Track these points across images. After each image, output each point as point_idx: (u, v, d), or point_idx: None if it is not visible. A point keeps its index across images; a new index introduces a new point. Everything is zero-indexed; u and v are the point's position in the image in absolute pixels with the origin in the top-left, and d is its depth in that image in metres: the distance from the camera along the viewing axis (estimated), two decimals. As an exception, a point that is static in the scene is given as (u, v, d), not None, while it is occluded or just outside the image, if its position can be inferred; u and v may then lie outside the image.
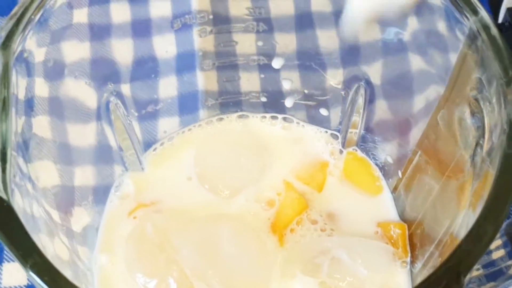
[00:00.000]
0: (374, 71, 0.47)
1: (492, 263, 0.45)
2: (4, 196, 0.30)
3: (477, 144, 0.36)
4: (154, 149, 0.49)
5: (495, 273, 0.44)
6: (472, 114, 0.36)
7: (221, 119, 0.51)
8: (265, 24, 0.48)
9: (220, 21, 0.48)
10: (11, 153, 0.32)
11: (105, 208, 0.46)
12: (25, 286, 0.48)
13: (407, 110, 0.45)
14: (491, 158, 0.33)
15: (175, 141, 0.50)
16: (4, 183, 0.30)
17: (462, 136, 0.37)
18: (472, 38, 0.35)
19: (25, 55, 0.35)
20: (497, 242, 0.45)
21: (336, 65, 0.48)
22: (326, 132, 0.50)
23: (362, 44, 0.47)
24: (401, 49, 0.44)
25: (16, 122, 0.34)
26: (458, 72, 0.38)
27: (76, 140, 0.44)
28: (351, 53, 0.47)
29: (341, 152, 0.49)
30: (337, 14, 0.47)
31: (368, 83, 0.47)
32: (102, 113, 0.45)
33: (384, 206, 0.46)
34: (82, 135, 0.45)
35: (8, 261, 0.49)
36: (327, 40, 0.48)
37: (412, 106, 0.45)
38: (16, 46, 0.34)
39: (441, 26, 0.39)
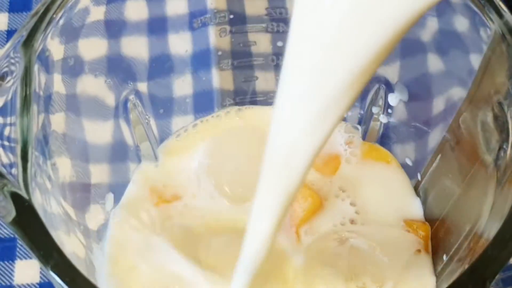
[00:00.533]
0: (393, 73, 0.46)
1: (509, 268, 0.44)
2: (25, 195, 0.30)
3: (500, 148, 0.35)
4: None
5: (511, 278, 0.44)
6: (495, 118, 0.36)
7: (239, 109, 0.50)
8: (285, 25, 0.47)
9: (239, 21, 0.48)
10: (32, 152, 0.32)
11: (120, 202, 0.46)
12: (37, 283, 0.48)
13: (427, 113, 0.45)
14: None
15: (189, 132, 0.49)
16: (25, 182, 0.30)
17: (485, 140, 0.37)
18: (497, 41, 0.35)
19: (47, 53, 0.35)
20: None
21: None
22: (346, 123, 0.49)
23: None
24: (422, 50, 0.44)
25: (37, 119, 0.34)
26: (482, 75, 0.37)
27: (93, 137, 0.44)
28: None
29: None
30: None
31: (388, 84, 0.46)
32: (120, 112, 0.45)
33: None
34: (100, 132, 0.45)
35: (21, 259, 0.49)
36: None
37: (432, 109, 0.45)
38: (38, 44, 0.34)
39: (465, 28, 0.38)
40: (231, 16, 0.47)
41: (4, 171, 0.30)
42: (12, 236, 0.50)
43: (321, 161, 0.46)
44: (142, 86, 0.47)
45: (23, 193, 0.30)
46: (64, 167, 0.40)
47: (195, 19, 0.47)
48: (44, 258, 0.28)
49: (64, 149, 0.40)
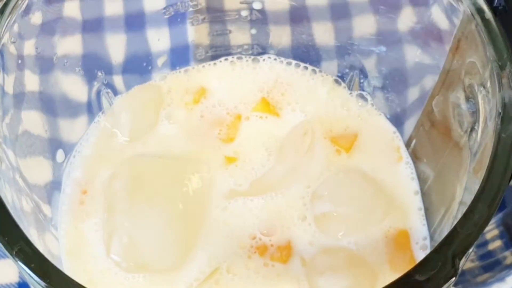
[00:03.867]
0: (368, 60, 0.46)
1: (488, 254, 0.44)
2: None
3: (472, 129, 0.35)
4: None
5: (491, 264, 0.44)
6: (467, 99, 0.36)
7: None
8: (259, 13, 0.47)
9: (214, 10, 0.47)
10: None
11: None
12: (16, 283, 0.48)
13: (402, 99, 0.45)
14: (486, 142, 0.32)
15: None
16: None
17: (457, 122, 0.37)
18: (466, 22, 0.35)
19: (12, 46, 0.34)
20: (494, 232, 0.45)
21: (330, 58, 0.48)
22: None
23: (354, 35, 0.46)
24: (396, 38, 0.44)
25: (2, 116, 0.34)
26: (453, 57, 0.37)
27: (66, 133, 0.43)
28: (343, 45, 0.47)
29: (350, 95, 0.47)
30: (333, 7, 0.47)
31: (362, 71, 0.46)
32: (93, 105, 0.45)
33: None
34: (72, 128, 0.44)
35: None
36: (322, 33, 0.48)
37: (407, 95, 0.45)
38: (2, 32, 0.33)
39: (435, 11, 0.38)
40: (203, 4, 0.47)
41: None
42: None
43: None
44: (116, 78, 0.46)
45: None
46: (36, 163, 0.40)
47: (167, 8, 0.47)
48: (9, 244, 0.28)
49: (35, 145, 0.40)
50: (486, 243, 0.45)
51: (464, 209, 0.30)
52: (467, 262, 0.44)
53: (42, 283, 0.27)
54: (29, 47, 0.37)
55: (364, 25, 0.46)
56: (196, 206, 0.43)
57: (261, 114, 0.46)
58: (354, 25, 0.46)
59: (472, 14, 0.34)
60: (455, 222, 0.29)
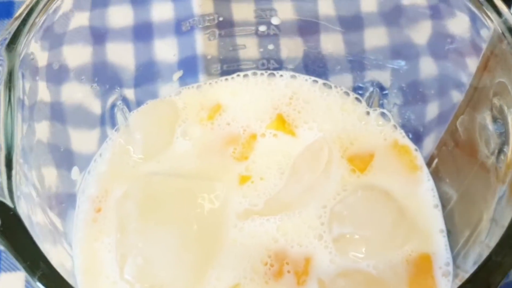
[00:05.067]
0: (387, 76, 0.45)
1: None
2: (10, 204, 0.28)
3: (500, 151, 0.34)
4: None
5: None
6: (494, 119, 0.35)
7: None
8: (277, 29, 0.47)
9: (228, 24, 0.47)
10: (16, 159, 0.30)
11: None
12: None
13: (423, 117, 0.44)
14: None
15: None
16: (10, 191, 0.29)
17: (484, 143, 0.36)
18: (496, 40, 0.34)
19: (31, 57, 0.34)
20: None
21: (349, 74, 0.47)
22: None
23: (368, 48, 0.46)
24: (416, 53, 0.43)
25: (21, 126, 0.33)
26: (480, 76, 0.36)
27: (79, 146, 0.43)
28: (358, 59, 0.46)
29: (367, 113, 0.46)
30: (342, 19, 0.46)
31: (381, 88, 0.46)
32: (107, 118, 0.44)
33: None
34: (86, 140, 0.43)
35: (5, 271, 0.48)
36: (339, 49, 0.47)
37: (428, 113, 0.44)
38: (22, 48, 0.33)
39: (462, 28, 0.38)
40: (220, 19, 0.46)
41: (-14, 179, 0.29)
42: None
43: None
44: (129, 92, 0.45)
45: (7, 201, 0.28)
46: (50, 175, 0.39)
47: (183, 22, 0.46)
48: (31, 269, 0.27)
49: (49, 158, 0.39)
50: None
51: (497, 231, 0.29)
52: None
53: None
54: (47, 61, 0.37)
55: (383, 40, 0.45)
56: (211, 226, 0.42)
57: (275, 132, 0.46)
58: (372, 40, 0.46)
59: (502, 32, 0.33)
60: (483, 244, 0.28)
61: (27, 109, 0.35)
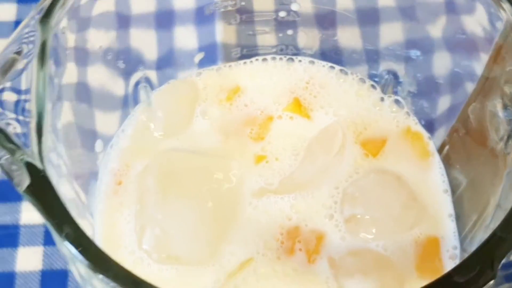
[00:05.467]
0: (402, 65, 0.47)
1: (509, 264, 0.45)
2: (40, 166, 0.30)
3: (509, 137, 0.35)
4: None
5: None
6: (505, 107, 0.36)
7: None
8: (296, 15, 0.48)
9: (248, 10, 0.48)
10: (46, 126, 0.32)
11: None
12: (39, 271, 0.48)
13: (436, 105, 0.45)
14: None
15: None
16: (40, 155, 0.30)
17: (494, 129, 0.37)
18: (508, 30, 0.35)
19: (62, 32, 0.35)
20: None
21: (365, 62, 0.48)
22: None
23: (384, 39, 0.47)
24: (432, 45, 0.44)
25: (50, 99, 0.35)
26: (492, 65, 0.38)
27: (102, 121, 0.44)
28: (374, 48, 0.48)
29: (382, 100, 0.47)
30: (359, 12, 0.47)
31: (396, 76, 0.47)
32: (130, 96, 0.46)
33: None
34: (109, 116, 0.45)
35: (23, 246, 0.49)
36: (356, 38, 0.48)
37: (441, 101, 0.45)
38: (55, 23, 0.34)
39: (474, 18, 0.39)
40: (242, 4, 0.47)
41: (19, 142, 0.30)
42: (15, 223, 0.50)
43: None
44: (152, 72, 0.47)
45: (38, 164, 0.30)
46: (75, 148, 0.41)
47: (206, 6, 0.47)
48: (58, 227, 0.28)
49: (75, 131, 0.41)
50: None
51: (500, 214, 0.30)
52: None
53: (88, 264, 0.28)
54: (75, 38, 0.38)
55: (399, 31, 0.46)
56: (227, 202, 0.43)
57: (292, 114, 0.47)
58: (388, 31, 0.47)
59: (514, 22, 0.34)
60: (489, 229, 0.29)
61: (56, 82, 0.36)
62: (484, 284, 0.27)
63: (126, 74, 0.45)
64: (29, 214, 0.50)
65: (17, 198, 0.50)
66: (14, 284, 0.48)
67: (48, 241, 0.49)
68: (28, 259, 0.49)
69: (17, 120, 0.32)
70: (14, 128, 0.31)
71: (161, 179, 0.43)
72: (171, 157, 0.45)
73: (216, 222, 0.42)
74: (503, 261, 0.29)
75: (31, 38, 0.33)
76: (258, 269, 0.41)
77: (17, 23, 0.58)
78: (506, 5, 0.35)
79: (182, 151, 0.45)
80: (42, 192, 0.29)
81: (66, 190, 0.36)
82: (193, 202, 0.42)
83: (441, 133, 0.45)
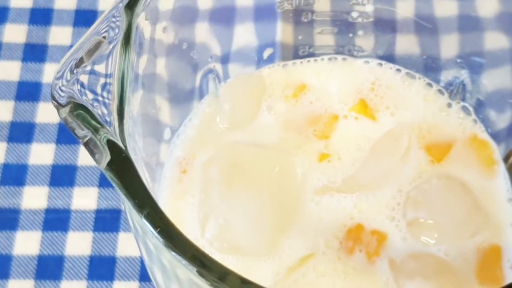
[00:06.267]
0: (472, 73, 0.46)
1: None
2: (122, 146, 0.30)
3: None
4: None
5: None
6: None
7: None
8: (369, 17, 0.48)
9: (320, 8, 0.48)
10: (128, 110, 0.33)
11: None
12: (88, 256, 0.49)
13: (504, 115, 0.45)
14: None
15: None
16: (122, 135, 0.31)
17: None
18: None
19: (147, 18, 0.36)
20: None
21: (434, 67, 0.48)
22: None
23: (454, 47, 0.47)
24: (502, 52, 0.44)
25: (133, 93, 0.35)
26: None
27: (172, 110, 0.45)
28: (444, 55, 0.47)
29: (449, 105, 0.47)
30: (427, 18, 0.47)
31: (465, 83, 0.47)
32: (198, 87, 0.46)
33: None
34: (178, 106, 0.46)
35: (73, 230, 0.50)
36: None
37: (509, 109, 0.45)
38: (140, 9, 0.35)
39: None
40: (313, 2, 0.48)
41: (103, 122, 0.31)
42: (66, 208, 0.51)
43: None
44: (220, 65, 0.48)
45: (119, 143, 0.31)
46: (147, 134, 0.41)
47: (279, 3, 0.48)
48: (139, 206, 0.29)
49: (147, 118, 0.41)
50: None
51: None
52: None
53: (167, 245, 0.28)
54: (150, 31, 0.39)
55: (465, 39, 0.46)
56: (289, 197, 0.44)
57: (357, 115, 0.47)
58: (453, 39, 0.47)
59: None
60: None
61: (135, 70, 0.37)
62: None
63: (196, 66, 0.46)
64: (81, 200, 0.51)
65: (69, 183, 0.51)
66: (62, 267, 0.49)
67: (98, 227, 0.51)
68: (77, 244, 0.50)
69: (101, 102, 0.32)
70: (97, 108, 0.32)
71: (225, 170, 0.43)
72: (237, 149, 0.45)
73: (278, 216, 0.43)
74: None
75: (118, 23, 0.34)
76: (318, 266, 0.41)
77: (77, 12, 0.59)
78: None
79: (247, 144, 0.46)
80: (123, 170, 0.30)
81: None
82: (256, 194, 0.43)
83: (508, 142, 0.44)
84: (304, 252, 0.42)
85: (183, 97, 0.46)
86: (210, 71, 0.47)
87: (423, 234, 0.42)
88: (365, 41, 0.49)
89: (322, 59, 0.50)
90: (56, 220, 0.51)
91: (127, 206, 0.30)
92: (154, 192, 0.41)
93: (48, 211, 0.51)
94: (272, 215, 0.42)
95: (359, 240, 0.42)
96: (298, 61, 0.49)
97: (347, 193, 0.44)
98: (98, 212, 0.51)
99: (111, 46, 0.33)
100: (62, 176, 0.52)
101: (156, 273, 0.35)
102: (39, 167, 0.53)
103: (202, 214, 0.42)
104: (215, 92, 0.47)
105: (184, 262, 0.28)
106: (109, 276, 0.49)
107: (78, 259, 0.49)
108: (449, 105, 0.47)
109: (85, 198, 0.51)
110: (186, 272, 0.29)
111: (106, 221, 0.50)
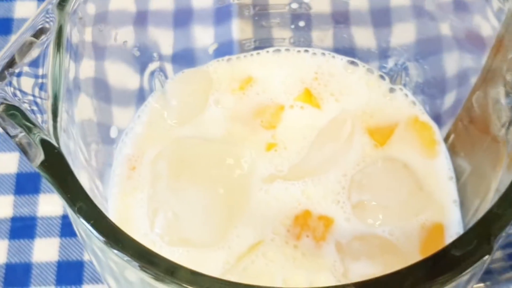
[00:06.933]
0: (411, 57, 0.48)
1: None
2: (55, 144, 0.31)
3: (510, 123, 0.36)
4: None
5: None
6: (507, 94, 0.37)
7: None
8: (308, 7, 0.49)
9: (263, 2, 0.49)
10: (62, 107, 0.33)
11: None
12: (56, 262, 0.50)
13: (443, 96, 0.46)
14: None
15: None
16: (55, 135, 0.32)
17: (496, 116, 0.38)
18: (509, 19, 0.36)
19: (80, 16, 0.37)
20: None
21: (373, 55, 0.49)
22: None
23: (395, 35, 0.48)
24: (439, 39, 0.45)
25: (66, 83, 0.36)
26: (495, 54, 0.38)
27: (118, 107, 0.46)
28: (385, 43, 0.49)
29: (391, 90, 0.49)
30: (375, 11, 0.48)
31: (405, 68, 0.48)
32: (145, 84, 0.47)
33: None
34: (125, 103, 0.46)
35: (40, 237, 0.51)
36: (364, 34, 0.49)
37: (448, 92, 0.46)
38: (71, 7, 0.36)
39: (478, 9, 0.40)
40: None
41: (36, 122, 0.32)
42: (32, 215, 0.52)
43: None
44: (167, 61, 0.48)
45: (53, 141, 0.31)
46: (91, 133, 0.42)
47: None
48: (71, 201, 0.29)
49: (91, 116, 0.42)
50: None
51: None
52: (495, 262, 0.45)
53: (101, 238, 0.29)
54: (89, 32, 0.40)
55: (409, 26, 0.47)
56: (238, 187, 0.44)
57: (302, 104, 0.48)
58: (396, 27, 0.48)
59: (516, 11, 0.35)
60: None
61: (72, 67, 0.38)
62: (481, 258, 0.28)
63: (142, 64, 0.47)
64: (46, 207, 0.52)
65: (34, 190, 0.52)
66: (30, 274, 0.49)
67: (64, 233, 0.51)
68: (45, 251, 0.50)
69: (34, 102, 0.33)
70: (31, 108, 0.33)
71: (173, 164, 0.44)
72: (184, 143, 0.46)
73: (227, 206, 0.43)
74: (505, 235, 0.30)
75: (51, 22, 0.34)
76: (267, 253, 0.42)
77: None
78: (509, -4, 0.36)
79: (195, 138, 0.46)
80: (56, 167, 0.30)
81: (83, 176, 0.37)
82: (204, 186, 0.43)
83: (448, 122, 0.46)
84: (253, 240, 0.42)
85: (128, 95, 0.46)
86: (156, 69, 0.47)
87: (368, 216, 0.43)
88: (306, 31, 0.50)
89: (268, 51, 0.51)
90: (23, 228, 0.51)
91: (68, 212, 0.31)
92: (102, 191, 0.42)
93: (14, 219, 0.51)
94: (220, 205, 0.43)
95: (306, 226, 0.43)
96: (242, 54, 0.50)
97: (294, 181, 0.45)
98: (64, 218, 0.51)
99: (44, 46, 0.34)
100: (27, 183, 0.53)
101: (109, 280, 0.36)
102: (4, 176, 0.53)
103: (151, 209, 0.43)
104: (161, 89, 0.48)
105: (127, 258, 0.28)
106: (78, 280, 0.49)
107: (46, 265, 0.50)
108: (392, 90, 0.48)
109: (50, 205, 0.52)
110: (134, 272, 0.29)
111: (73, 227, 0.51)
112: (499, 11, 0.38)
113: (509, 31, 0.36)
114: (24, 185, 0.53)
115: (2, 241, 0.50)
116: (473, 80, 0.42)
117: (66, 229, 0.51)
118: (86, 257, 0.50)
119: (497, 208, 0.29)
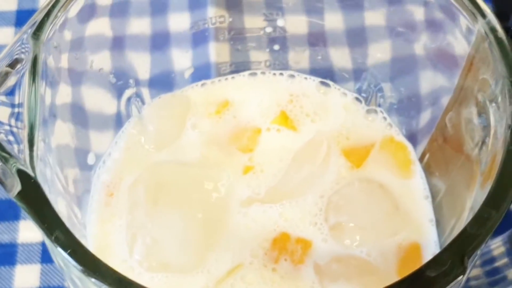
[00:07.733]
0: (386, 79, 0.48)
1: (495, 271, 0.46)
2: (31, 173, 0.31)
3: (483, 143, 0.37)
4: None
5: (497, 280, 0.46)
6: (479, 114, 0.38)
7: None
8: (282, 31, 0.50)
9: (237, 25, 0.50)
10: (38, 136, 0.33)
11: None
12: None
13: (417, 116, 0.47)
14: (495, 154, 0.34)
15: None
16: (32, 162, 0.32)
17: (469, 136, 0.39)
18: (479, 40, 0.37)
19: (54, 45, 0.37)
20: (501, 249, 0.46)
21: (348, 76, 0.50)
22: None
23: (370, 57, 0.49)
24: (412, 60, 0.46)
25: (43, 112, 0.36)
26: (466, 75, 0.39)
27: (95, 134, 0.46)
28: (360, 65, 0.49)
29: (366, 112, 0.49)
30: (349, 32, 0.49)
31: (379, 90, 0.48)
32: (122, 109, 0.47)
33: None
34: (102, 129, 0.47)
35: (21, 264, 0.51)
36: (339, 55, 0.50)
37: (422, 112, 0.46)
38: (46, 37, 0.36)
39: (452, 33, 0.40)
40: (230, 20, 0.49)
41: (12, 152, 0.32)
42: (13, 242, 0.51)
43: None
44: (143, 87, 0.49)
45: (29, 171, 0.31)
46: (68, 161, 0.42)
47: (196, 22, 0.49)
48: (48, 230, 0.29)
49: (68, 144, 0.42)
50: (493, 260, 0.46)
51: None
52: (476, 279, 0.45)
53: (79, 267, 0.29)
54: (64, 60, 0.40)
55: (381, 47, 0.48)
56: (216, 211, 0.45)
57: (279, 127, 0.48)
58: (370, 48, 0.49)
59: (485, 33, 0.36)
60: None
61: (48, 95, 0.38)
62: (455, 278, 0.29)
63: (118, 90, 0.47)
64: (27, 233, 0.51)
65: (14, 217, 0.52)
66: (12, 302, 0.49)
67: (45, 259, 0.51)
68: (26, 277, 0.50)
69: (11, 132, 0.33)
70: (7, 138, 0.33)
71: (151, 190, 0.44)
72: (161, 168, 0.46)
73: (205, 231, 0.44)
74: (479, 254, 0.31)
75: (26, 53, 0.35)
76: (245, 276, 0.42)
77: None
78: (478, 17, 0.36)
79: (172, 163, 0.47)
80: (33, 197, 0.30)
81: (60, 204, 0.38)
82: (182, 211, 0.44)
83: (423, 141, 0.46)
84: (232, 264, 0.43)
85: (105, 121, 0.47)
86: (133, 95, 0.48)
87: (345, 237, 0.43)
88: (281, 54, 0.51)
89: (244, 75, 0.51)
90: (3, 255, 0.51)
91: (46, 241, 0.31)
92: (80, 218, 0.42)
93: (-6, 246, 0.51)
94: (198, 230, 0.43)
95: (284, 250, 0.43)
96: (218, 79, 0.51)
97: (271, 203, 0.45)
98: (45, 244, 0.51)
99: (19, 75, 0.34)
100: (7, 210, 0.53)
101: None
102: (-17, 204, 0.53)
103: (129, 235, 0.43)
104: (138, 114, 0.48)
105: (105, 287, 0.29)
106: (59, 306, 0.49)
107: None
108: (368, 111, 0.49)
109: (31, 231, 0.52)
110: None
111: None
112: (468, 32, 0.38)
113: (479, 52, 0.37)
114: (4, 212, 0.52)
115: (-17, 268, 0.50)
116: (446, 99, 0.43)
117: (47, 255, 0.51)
118: (67, 283, 0.49)
119: (470, 228, 0.30)
